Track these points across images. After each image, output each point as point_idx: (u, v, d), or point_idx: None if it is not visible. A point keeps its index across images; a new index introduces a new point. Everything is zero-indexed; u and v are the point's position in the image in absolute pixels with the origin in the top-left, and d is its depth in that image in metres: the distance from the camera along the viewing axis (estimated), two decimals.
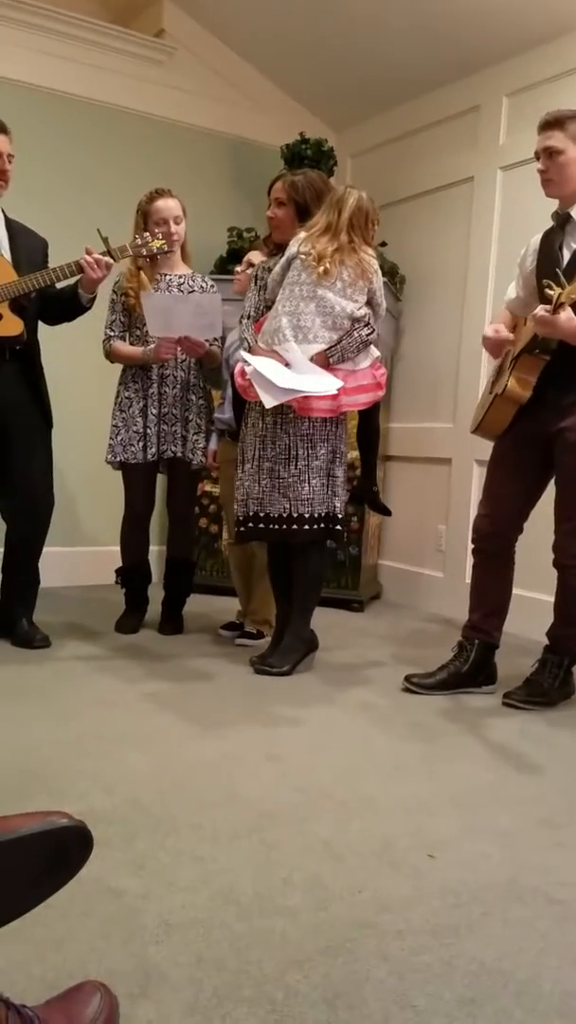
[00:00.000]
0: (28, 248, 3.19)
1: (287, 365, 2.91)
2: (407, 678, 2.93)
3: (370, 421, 3.27)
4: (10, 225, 3.19)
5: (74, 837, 1.03)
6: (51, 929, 1.37)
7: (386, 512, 3.47)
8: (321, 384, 2.87)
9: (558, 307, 2.53)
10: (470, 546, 3.06)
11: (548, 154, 2.76)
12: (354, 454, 3.62)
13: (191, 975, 1.29)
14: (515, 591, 3.04)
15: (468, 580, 4.17)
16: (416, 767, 2.22)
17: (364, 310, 2.99)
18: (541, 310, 2.58)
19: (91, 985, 1.16)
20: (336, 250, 2.93)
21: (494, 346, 2.96)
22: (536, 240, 2.97)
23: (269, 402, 2.84)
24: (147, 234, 3.23)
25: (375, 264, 3.03)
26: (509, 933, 1.46)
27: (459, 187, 4.36)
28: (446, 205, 4.45)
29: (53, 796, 1.90)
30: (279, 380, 2.82)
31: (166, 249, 3.25)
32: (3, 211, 3.19)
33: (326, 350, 2.93)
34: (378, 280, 3.03)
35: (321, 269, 2.92)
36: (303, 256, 2.97)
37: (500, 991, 1.29)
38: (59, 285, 3.16)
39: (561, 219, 2.85)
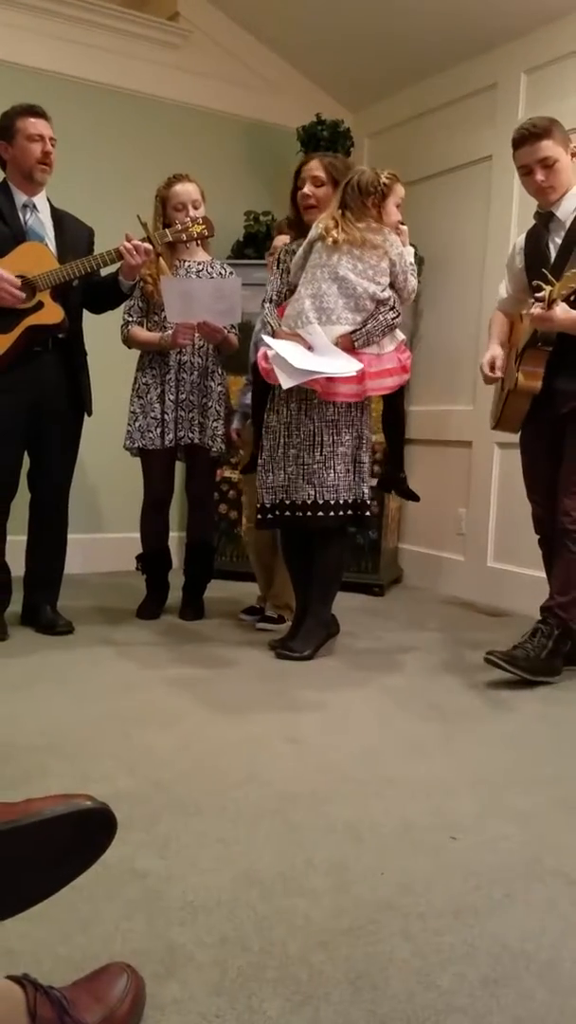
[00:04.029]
0: (73, 237, 3.20)
1: (310, 348, 2.89)
2: (490, 653, 2.80)
3: (395, 406, 3.23)
4: (56, 214, 3.20)
5: (97, 819, 1.04)
6: (76, 911, 1.39)
7: (414, 498, 3.36)
8: (341, 366, 2.85)
9: (551, 303, 2.64)
10: (535, 536, 3.13)
11: (545, 165, 2.80)
12: (376, 438, 3.59)
13: (216, 955, 1.30)
14: (529, 571, 3.05)
15: (489, 563, 4.22)
16: (436, 749, 2.22)
17: (388, 292, 2.96)
18: (537, 308, 2.69)
19: (117, 966, 1.18)
20: (336, 225, 2.91)
21: (488, 380, 3.08)
22: (521, 240, 3.04)
23: (287, 383, 2.82)
24: (188, 219, 3.23)
25: (398, 245, 2.98)
26: (531, 914, 1.46)
27: (477, 166, 4.31)
28: (464, 184, 4.40)
29: (77, 778, 1.91)
30: (297, 362, 2.81)
31: (207, 234, 3.23)
32: (49, 200, 3.19)
33: (351, 333, 2.91)
34: (402, 262, 2.98)
35: (329, 241, 2.90)
36: (323, 238, 2.95)
37: (522, 971, 1.30)
38: (103, 272, 3.16)
39: (544, 218, 2.93)
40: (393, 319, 2.97)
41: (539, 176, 2.82)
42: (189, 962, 1.29)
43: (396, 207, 3.06)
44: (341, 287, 2.92)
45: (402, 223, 3.07)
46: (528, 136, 2.81)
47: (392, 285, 2.99)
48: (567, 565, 2.80)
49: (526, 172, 2.86)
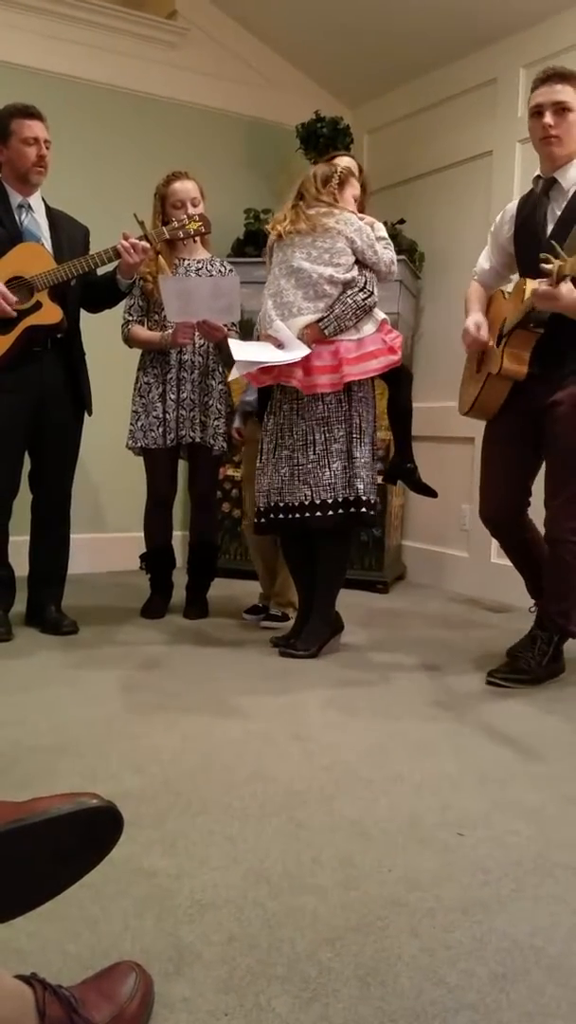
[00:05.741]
0: (69, 237, 3.20)
1: (280, 346, 2.89)
2: (491, 675, 2.74)
3: (398, 395, 3.18)
4: (51, 214, 3.20)
5: (104, 817, 1.04)
6: (85, 909, 1.39)
7: (430, 493, 3.22)
8: (285, 355, 2.83)
9: (560, 280, 2.43)
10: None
11: (558, 110, 2.64)
12: (379, 435, 3.59)
13: (224, 953, 1.30)
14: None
15: (492, 559, 4.21)
16: (442, 745, 2.22)
17: (352, 273, 2.91)
18: (543, 284, 2.48)
19: (126, 965, 1.18)
20: (284, 218, 2.96)
21: (476, 344, 2.88)
22: (512, 207, 2.89)
23: (233, 373, 2.93)
24: (184, 216, 3.23)
25: (355, 222, 2.93)
26: (540, 909, 1.45)
27: (477, 161, 4.31)
28: (464, 180, 4.40)
29: (84, 777, 1.91)
30: (240, 355, 2.86)
31: (203, 231, 3.23)
32: (44, 200, 3.20)
33: (318, 321, 2.89)
34: (363, 237, 2.91)
35: (274, 235, 2.96)
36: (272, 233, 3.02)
37: (532, 967, 1.29)
38: (99, 271, 3.16)
39: (546, 184, 2.75)
40: (364, 300, 2.90)
41: (548, 119, 2.65)
42: (198, 960, 1.28)
43: (353, 199, 3.04)
44: (297, 279, 2.91)
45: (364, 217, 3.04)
46: (553, 75, 2.66)
47: (359, 264, 2.94)
48: (564, 572, 2.69)
49: (536, 112, 2.69)
